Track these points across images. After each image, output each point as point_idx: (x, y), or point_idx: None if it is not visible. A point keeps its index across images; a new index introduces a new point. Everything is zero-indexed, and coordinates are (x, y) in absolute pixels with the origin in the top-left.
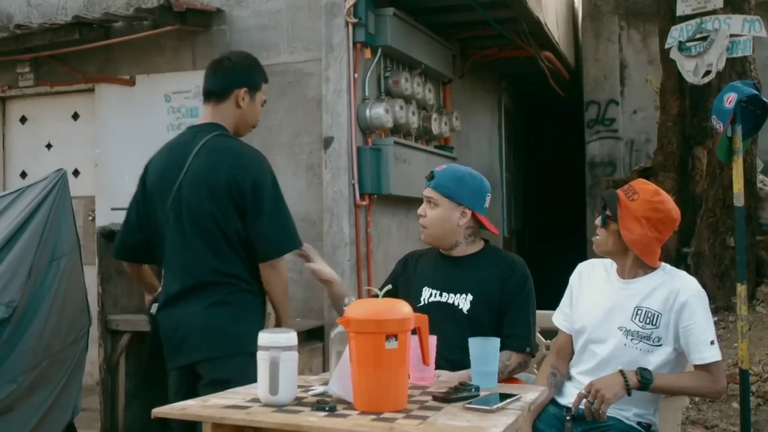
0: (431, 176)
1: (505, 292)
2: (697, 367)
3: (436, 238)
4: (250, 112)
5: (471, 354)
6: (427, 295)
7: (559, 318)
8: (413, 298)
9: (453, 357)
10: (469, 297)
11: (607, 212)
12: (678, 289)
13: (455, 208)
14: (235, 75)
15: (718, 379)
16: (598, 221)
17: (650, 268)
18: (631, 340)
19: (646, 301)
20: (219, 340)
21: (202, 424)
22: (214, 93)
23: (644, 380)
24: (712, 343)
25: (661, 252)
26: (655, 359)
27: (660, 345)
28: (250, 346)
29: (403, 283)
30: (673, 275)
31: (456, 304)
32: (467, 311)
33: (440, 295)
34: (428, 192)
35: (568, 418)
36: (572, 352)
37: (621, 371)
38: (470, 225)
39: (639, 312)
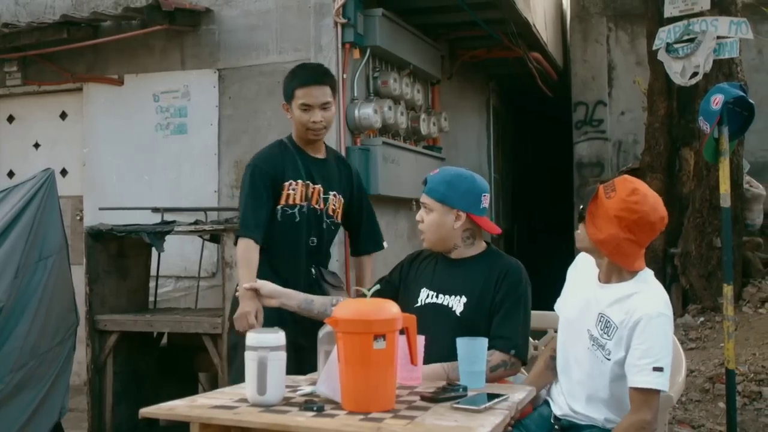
0: (425, 181)
1: (497, 295)
2: (629, 390)
3: (434, 242)
4: (294, 118)
5: (459, 354)
6: (425, 296)
7: (559, 305)
8: (412, 299)
9: (445, 358)
10: (463, 299)
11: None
12: (637, 306)
13: (448, 212)
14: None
15: (643, 409)
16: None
17: (627, 275)
18: (592, 345)
19: (608, 310)
20: None
21: (190, 424)
22: None
23: None
24: (655, 369)
25: (646, 255)
26: (606, 371)
27: (610, 359)
28: None
29: (404, 280)
30: (640, 290)
31: (449, 305)
32: (460, 313)
33: (436, 296)
34: (423, 198)
35: (556, 427)
36: None
37: None
38: (468, 227)
39: (602, 319)
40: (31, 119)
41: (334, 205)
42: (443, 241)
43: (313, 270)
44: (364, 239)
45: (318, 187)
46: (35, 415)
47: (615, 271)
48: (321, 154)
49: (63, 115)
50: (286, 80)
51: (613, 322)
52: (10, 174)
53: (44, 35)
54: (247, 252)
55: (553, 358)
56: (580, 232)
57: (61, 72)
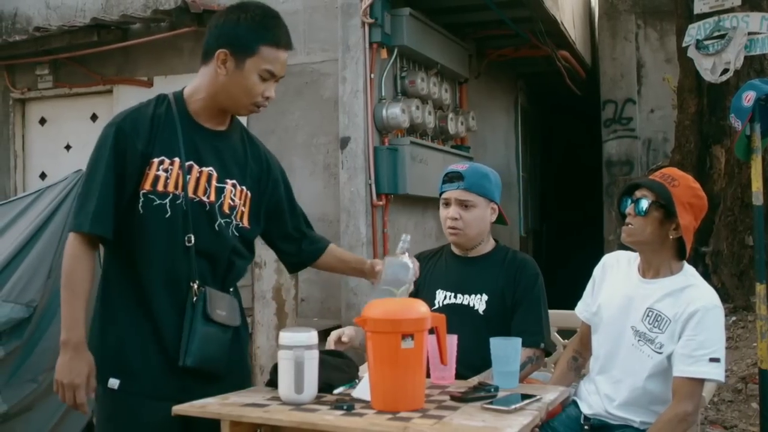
0: (458, 177)
1: (516, 290)
2: (676, 380)
3: (471, 239)
4: (240, 82)
5: (492, 354)
6: (442, 297)
7: (580, 308)
8: (427, 302)
9: (471, 359)
10: (485, 297)
11: (653, 198)
12: (692, 298)
13: (488, 205)
14: (216, 30)
15: (687, 400)
16: (631, 209)
17: (676, 268)
18: (638, 341)
19: (658, 304)
20: None
21: (221, 422)
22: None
23: None
24: (712, 360)
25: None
26: (649, 366)
27: (661, 353)
28: None
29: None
30: (693, 283)
31: (471, 305)
32: (483, 312)
33: (455, 296)
34: (461, 194)
35: (586, 427)
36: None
37: None
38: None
39: (650, 313)
40: (62, 121)
41: (232, 200)
42: (479, 236)
43: (195, 287)
44: (309, 242)
45: (208, 170)
46: (67, 414)
47: (664, 265)
48: (222, 125)
49: (93, 117)
50: (246, 24)
51: (665, 315)
52: (42, 175)
53: (75, 38)
54: (72, 260)
55: (575, 358)
56: (634, 227)
57: (91, 74)
